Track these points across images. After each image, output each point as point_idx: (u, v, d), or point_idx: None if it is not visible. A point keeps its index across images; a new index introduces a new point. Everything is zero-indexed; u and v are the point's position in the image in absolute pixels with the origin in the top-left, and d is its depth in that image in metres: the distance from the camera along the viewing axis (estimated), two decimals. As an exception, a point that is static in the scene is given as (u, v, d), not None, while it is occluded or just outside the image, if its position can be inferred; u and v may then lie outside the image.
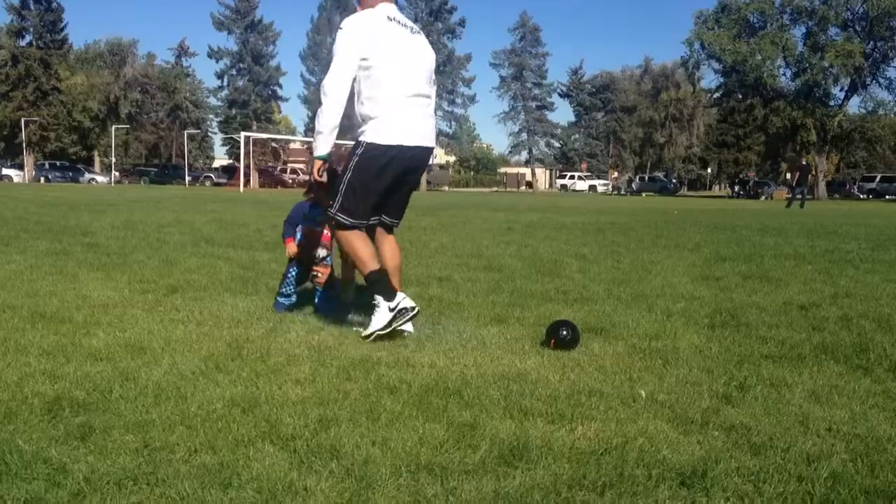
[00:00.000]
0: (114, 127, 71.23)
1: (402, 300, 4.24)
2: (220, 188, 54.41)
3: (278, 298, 5.09)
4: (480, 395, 3.18)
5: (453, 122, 77.80)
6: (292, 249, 5.02)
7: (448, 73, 74.96)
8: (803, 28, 59.42)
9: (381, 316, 4.19)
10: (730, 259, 8.69)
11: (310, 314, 4.95)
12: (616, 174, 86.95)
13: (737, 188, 66.30)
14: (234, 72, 72.54)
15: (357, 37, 4.26)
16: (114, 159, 69.92)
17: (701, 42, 60.25)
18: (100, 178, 65.21)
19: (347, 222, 4.32)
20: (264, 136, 66.90)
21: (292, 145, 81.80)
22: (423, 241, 10.33)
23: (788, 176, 42.45)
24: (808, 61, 56.89)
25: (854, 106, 60.91)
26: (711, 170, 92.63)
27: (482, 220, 15.93)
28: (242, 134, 55.50)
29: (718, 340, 4.34)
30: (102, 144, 73.56)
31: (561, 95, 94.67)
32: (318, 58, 74.46)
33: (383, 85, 4.28)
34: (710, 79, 71.68)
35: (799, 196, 33.63)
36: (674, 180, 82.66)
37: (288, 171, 75.13)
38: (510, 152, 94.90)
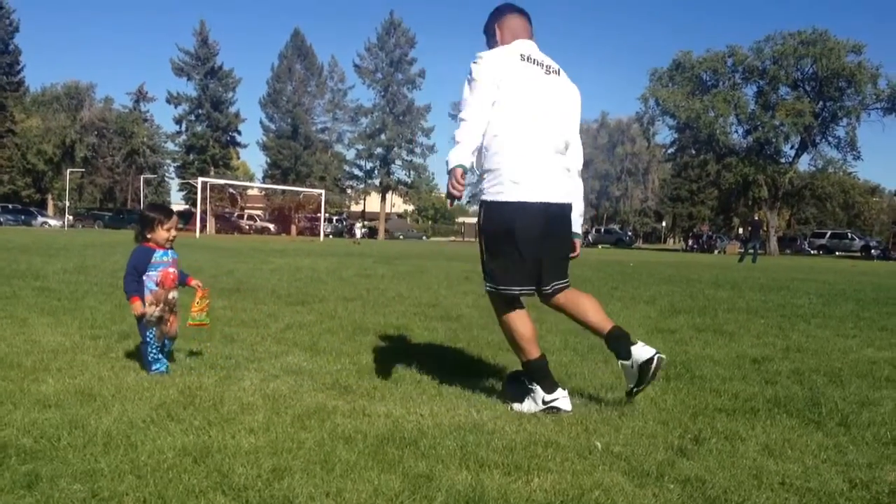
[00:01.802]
0: (69, 170, 70.51)
1: (561, 398, 3.90)
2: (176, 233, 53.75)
3: (152, 367, 4.44)
4: (436, 446, 3.15)
5: (412, 172, 78.14)
6: (139, 309, 4.41)
7: (407, 122, 75.58)
8: (755, 87, 61.09)
9: (533, 404, 3.91)
10: (684, 312, 8.78)
11: (261, 359, 4.89)
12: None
13: (691, 242, 67.26)
14: (192, 117, 72.44)
15: (486, 76, 3.84)
16: (68, 203, 69.07)
17: (655, 98, 61.56)
18: (53, 222, 64.27)
19: (492, 288, 3.97)
20: (222, 181, 66.67)
21: (250, 191, 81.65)
22: (381, 290, 10.31)
23: (741, 231, 43.18)
24: (759, 119, 58.38)
25: (804, 163, 62.43)
26: (666, 223, 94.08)
27: (440, 270, 15.95)
28: (200, 179, 55.21)
29: (673, 393, 4.36)
30: (56, 188, 72.77)
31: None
32: (277, 105, 74.66)
33: (505, 134, 3.84)
34: (664, 134, 73.13)
35: (751, 251, 34.21)
36: (629, 233, 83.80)
37: (245, 216, 74.87)
38: (468, 203, 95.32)
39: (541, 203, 3.86)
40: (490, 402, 4.03)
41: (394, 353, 5.38)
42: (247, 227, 70.98)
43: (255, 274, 12.58)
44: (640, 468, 2.98)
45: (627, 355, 3.94)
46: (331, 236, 64.73)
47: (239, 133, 75.34)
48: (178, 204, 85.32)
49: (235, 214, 74.89)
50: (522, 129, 3.86)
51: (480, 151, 3.89)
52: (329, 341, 5.78)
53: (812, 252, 62.35)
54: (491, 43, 4.22)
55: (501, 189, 3.84)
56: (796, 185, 64.81)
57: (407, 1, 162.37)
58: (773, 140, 58.32)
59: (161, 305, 4.48)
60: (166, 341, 4.60)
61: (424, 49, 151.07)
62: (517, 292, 3.97)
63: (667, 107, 60.74)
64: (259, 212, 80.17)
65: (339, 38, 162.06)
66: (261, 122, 76.78)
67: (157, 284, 4.50)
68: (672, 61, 62.11)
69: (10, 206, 65.97)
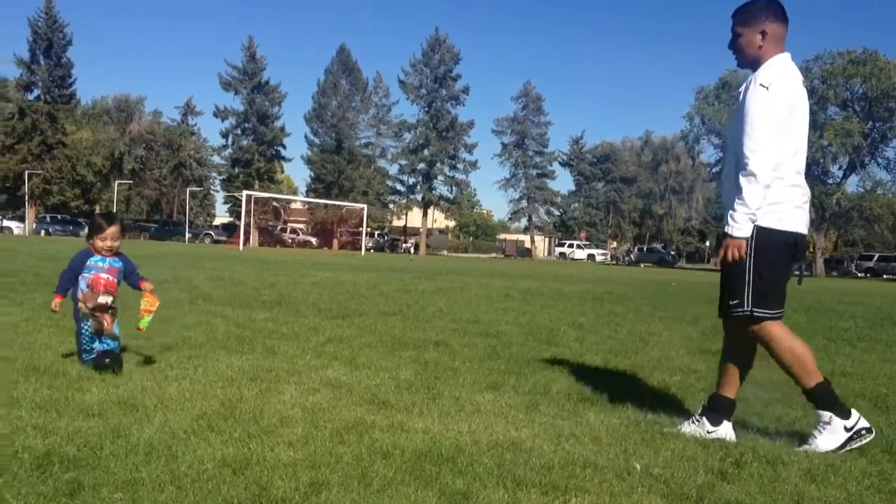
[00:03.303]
0: (116, 182, 71.77)
1: (860, 419, 3.73)
2: (220, 246, 54.53)
3: (82, 356, 4.85)
4: (474, 463, 3.15)
5: (454, 188, 78.34)
6: (53, 305, 4.90)
7: (450, 138, 75.79)
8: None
9: (835, 436, 3.69)
10: (727, 333, 8.66)
11: (301, 372, 4.92)
12: (615, 244, 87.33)
13: (735, 262, 66.38)
14: (238, 131, 73.44)
15: (783, 104, 3.64)
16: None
17: (701, 116, 61.14)
18: (100, 233, 65.26)
19: (768, 314, 3.77)
20: (266, 195, 67.37)
21: (293, 205, 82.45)
22: (421, 305, 10.33)
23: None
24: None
25: (852, 185, 61.49)
26: (710, 243, 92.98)
27: (480, 286, 15.93)
28: (244, 192, 55.87)
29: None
30: (104, 199, 74.01)
31: (562, 164, 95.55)
32: (322, 119, 75.38)
33: (788, 161, 3.69)
34: (709, 153, 72.43)
35: (797, 272, 33.67)
36: (672, 252, 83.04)
37: (288, 230, 75.57)
38: (510, 219, 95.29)
39: (801, 234, 3.82)
40: (528, 419, 4.01)
41: (432, 369, 5.39)
42: (289, 240, 71.66)
43: (296, 287, 12.67)
44: (679, 491, 2.95)
45: (718, 423, 3.91)
46: (372, 251, 65.03)
47: (284, 147, 76.31)
48: (222, 217, 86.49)
49: (278, 228, 75.66)
50: (799, 152, 3.78)
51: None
52: (368, 356, 5.80)
53: (859, 275, 61.28)
54: (745, 43, 3.88)
55: (783, 217, 3.72)
56: (844, 206, 63.80)
57: (452, 17, 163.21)
58: (821, 160, 57.53)
59: (88, 304, 4.77)
60: (109, 341, 4.84)
61: (468, 65, 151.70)
62: (782, 311, 3.87)
63: (712, 125, 60.25)
64: (302, 225, 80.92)
65: (384, 54, 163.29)
66: (305, 137, 77.85)
67: (87, 286, 4.83)
68: (718, 79, 61.63)
69: (60, 216, 67.22)
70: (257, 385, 4.54)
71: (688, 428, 3.93)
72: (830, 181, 59.84)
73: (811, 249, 51.34)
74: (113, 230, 4.95)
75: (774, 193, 3.67)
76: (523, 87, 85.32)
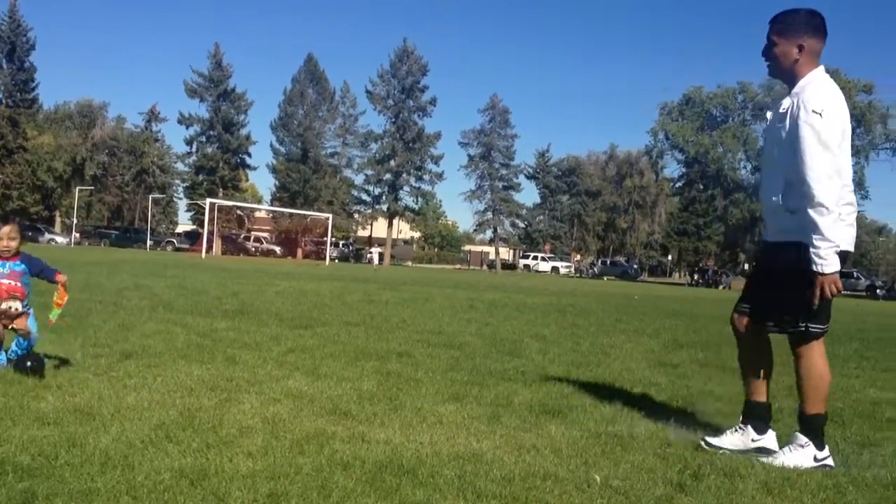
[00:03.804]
0: (78, 188, 70.83)
1: (829, 457, 3.79)
2: (182, 254, 54.02)
3: None
4: (435, 475, 3.14)
5: (420, 199, 78.40)
6: None
7: (417, 149, 75.86)
8: (764, 123, 61.18)
9: (803, 458, 3.73)
10: (688, 346, 8.75)
11: (262, 382, 4.88)
12: (579, 257, 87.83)
13: (696, 276, 67.13)
14: (203, 138, 72.95)
15: (842, 114, 3.67)
16: (75, 220, 69.31)
17: (665, 132, 61.93)
18: (59, 239, 64.47)
19: (820, 329, 3.83)
20: (230, 203, 66.88)
21: (258, 214, 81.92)
22: (385, 316, 10.30)
23: (747, 267, 43.11)
24: (767, 156, 58.38)
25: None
26: (672, 257, 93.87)
27: (444, 297, 15.94)
28: (208, 200, 55.44)
29: (674, 427, 4.34)
30: (65, 205, 73.03)
31: (527, 177, 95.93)
32: (288, 128, 75.10)
33: (843, 178, 3.68)
34: (672, 168, 73.41)
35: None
36: (635, 265, 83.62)
37: (252, 239, 75.09)
38: (475, 230, 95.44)
39: (849, 250, 3.79)
40: (490, 431, 4.01)
41: (395, 380, 5.37)
42: (253, 249, 71.18)
43: (259, 296, 12.59)
44: (638, 503, 2.96)
45: (763, 431, 3.99)
46: (337, 261, 64.80)
47: (249, 155, 75.96)
48: (185, 224, 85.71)
49: (242, 236, 75.12)
50: (848, 170, 3.75)
51: (796, 190, 3.69)
52: (330, 366, 5.77)
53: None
54: (779, 53, 3.85)
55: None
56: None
57: (421, 29, 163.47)
58: (761, 180, 58.33)
59: None
60: (22, 340, 4.82)
61: (436, 77, 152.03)
62: (827, 329, 3.89)
63: (676, 141, 61.07)
64: (266, 234, 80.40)
65: (352, 65, 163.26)
66: (271, 145, 77.49)
67: None
68: (682, 96, 62.51)
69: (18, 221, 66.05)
70: (217, 395, 4.50)
71: (730, 438, 3.95)
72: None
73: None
74: (6, 230, 4.94)
75: None
76: (490, 100, 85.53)
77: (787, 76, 3.86)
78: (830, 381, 3.86)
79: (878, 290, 57.60)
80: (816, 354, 3.82)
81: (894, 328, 15.28)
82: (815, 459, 3.71)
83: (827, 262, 3.58)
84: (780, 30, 3.82)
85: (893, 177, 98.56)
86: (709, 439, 3.94)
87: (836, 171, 3.60)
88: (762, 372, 4.06)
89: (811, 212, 3.57)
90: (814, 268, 3.60)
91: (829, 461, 3.75)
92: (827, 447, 3.80)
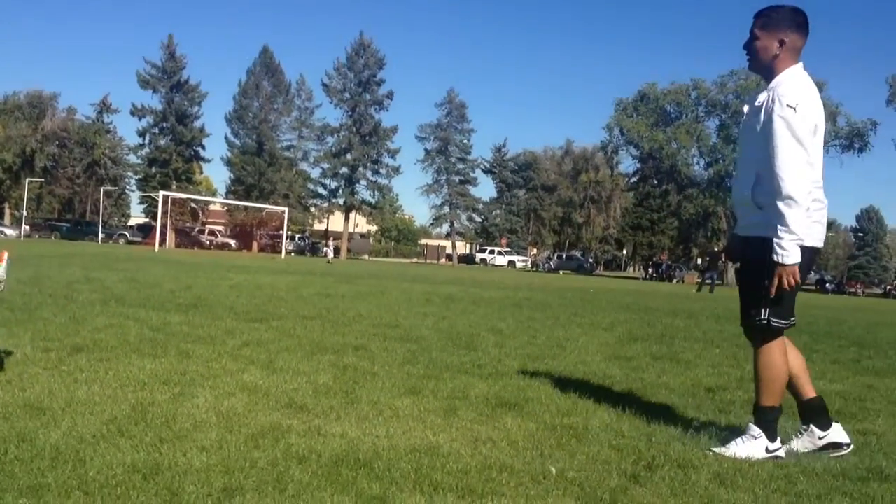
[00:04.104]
0: (27, 180, 69.49)
1: (781, 448, 3.81)
2: (135, 247, 53.30)
3: None
4: (391, 468, 3.13)
5: (377, 192, 78.15)
6: None
7: (374, 143, 75.63)
8: (717, 120, 62.06)
9: (753, 450, 3.74)
10: (642, 339, 8.85)
11: (216, 376, 4.83)
12: (535, 251, 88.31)
13: (650, 270, 67.91)
14: (156, 130, 71.93)
15: (809, 125, 3.67)
16: (25, 212, 68.01)
17: (620, 128, 62.33)
18: (8, 231, 63.25)
19: (781, 324, 3.80)
20: (184, 195, 66.09)
21: (212, 207, 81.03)
22: (341, 309, 10.26)
23: (699, 261, 43.74)
24: (720, 152, 59.25)
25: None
26: (627, 251, 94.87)
27: (401, 291, 15.92)
28: (161, 193, 54.73)
29: (629, 419, 4.38)
30: (14, 197, 71.63)
31: (484, 171, 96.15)
32: (243, 121, 74.36)
33: (811, 174, 3.70)
34: (627, 164, 73.98)
35: (709, 281, 34.68)
36: (590, 260, 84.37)
37: (206, 232, 74.33)
38: (432, 224, 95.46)
39: (817, 246, 3.84)
40: (446, 424, 4.01)
41: (351, 373, 5.35)
42: (207, 242, 70.46)
43: (213, 290, 12.46)
44: (592, 494, 2.99)
45: (827, 426, 3.94)
46: (293, 254, 64.40)
47: (203, 147, 75.10)
48: (138, 217, 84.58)
49: (196, 229, 74.33)
50: (819, 166, 3.79)
51: (766, 185, 3.71)
52: (286, 360, 5.74)
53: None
54: (760, 48, 3.87)
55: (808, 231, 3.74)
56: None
57: (378, 22, 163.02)
58: (734, 173, 59.12)
59: None
60: None
61: (393, 70, 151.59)
62: (790, 325, 3.87)
63: (631, 137, 61.52)
64: (220, 227, 79.62)
65: (308, 58, 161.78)
66: (226, 138, 76.53)
67: None
68: (637, 92, 62.95)
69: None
70: (170, 389, 4.44)
71: (798, 444, 3.93)
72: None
73: (722, 259, 52.87)
74: None
75: None
76: (447, 94, 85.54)
77: (765, 70, 3.89)
78: (786, 374, 3.84)
79: (827, 285, 58.79)
80: (776, 349, 3.82)
81: (843, 322, 15.61)
82: (767, 451, 3.74)
83: (788, 253, 3.61)
84: (764, 24, 3.84)
85: (842, 173, 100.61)
86: (716, 448, 3.82)
87: (808, 165, 3.65)
88: (797, 367, 3.99)
89: (779, 203, 3.60)
90: (774, 258, 3.64)
91: (781, 452, 3.79)
92: (779, 439, 3.84)
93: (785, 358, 3.84)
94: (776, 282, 3.67)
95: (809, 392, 3.98)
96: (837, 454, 3.86)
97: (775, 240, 3.63)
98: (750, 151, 3.88)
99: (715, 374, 6.42)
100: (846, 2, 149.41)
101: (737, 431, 4.14)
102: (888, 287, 70.85)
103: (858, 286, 63.83)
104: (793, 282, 3.66)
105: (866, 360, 8.26)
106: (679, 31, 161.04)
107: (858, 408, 5.35)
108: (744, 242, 3.94)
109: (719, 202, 59.60)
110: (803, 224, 3.62)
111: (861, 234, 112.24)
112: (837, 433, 3.93)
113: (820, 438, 3.89)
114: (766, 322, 3.79)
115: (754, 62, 3.94)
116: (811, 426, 3.93)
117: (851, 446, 3.91)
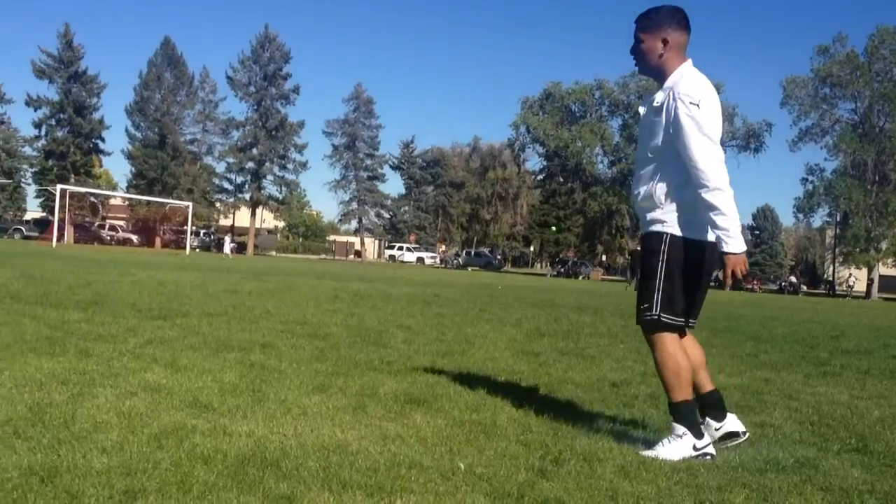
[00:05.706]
0: (-88, 172, 66.29)
1: (710, 445, 3.80)
2: (31, 242, 51.40)
3: None
4: (299, 467, 3.10)
5: (284, 188, 77.27)
6: None
7: (280, 138, 74.73)
8: (620, 120, 63.44)
9: (680, 449, 3.70)
10: (549, 335, 8.99)
11: (118, 375, 4.70)
12: (444, 247, 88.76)
13: (557, 267, 69.00)
14: (53, 122, 69.33)
15: (715, 104, 3.77)
16: None
17: (527, 126, 63.14)
18: None
19: (673, 321, 3.82)
20: (83, 189, 63.98)
21: (113, 201, 78.79)
22: (248, 306, 10.11)
23: (604, 258, 44.67)
24: (623, 151, 60.60)
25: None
26: (534, 248, 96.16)
27: (309, 288, 15.77)
28: (59, 186, 52.87)
29: (536, 414, 4.44)
30: None
31: (392, 167, 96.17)
32: (144, 113, 72.43)
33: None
34: (534, 161, 75.11)
35: (633, 279, 35.70)
36: (498, 256, 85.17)
37: (107, 227, 72.23)
38: (340, 221, 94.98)
39: (711, 240, 3.81)
40: (355, 421, 4.00)
41: (258, 371, 5.28)
42: (108, 237, 68.52)
43: (114, 286, 12.11)
44: (501, 489, 3.02)
45: (723, 418, 4.00)
46: (198, 250, 63.15)
47: (103, 140, 72.64)
48: (34, 211, 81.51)
49: (96, 224, 72.18)
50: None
51: (667, 182, 3.79)
52: (191, 358, 5.62)
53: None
54: (646, 49, 3.91)
55: (692, 224, 3.78)
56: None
57: (283, 15, 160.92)
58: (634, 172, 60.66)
59: None
60: None
61: (299, 65, 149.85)
62: (683, 323, 3.88)
63: (537, 134, 62.43)
64: (122, 222, 77.49)
65: (211, 49, 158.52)
66: (126, 130, 74.33)
67: None
68: (542, 90, 63.84)
69: None
70: (69, 389, 4.30)
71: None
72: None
73: (627, 256, 54.16)
74: None
75: (686, 201, 3.75)
76: (355, 90, 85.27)
77: (655, 72, 3.94)
78: (689, 365, 3.85)
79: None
80: (668, 342, 3.85)
81: (741, 316, 16.17)
82: (695, 448, 3.74)
83: (734, 240, 3.65)
84: (645, 26, 3.90)
85: (739, 173, 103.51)
86: (645, 451, 3.78)
87: (721, 159, 3.73)
88: (697, 361, 4.01)
89: (707, 196, 3.64)
90: (723, 248, 3.67)
91: (710, 449, 3.78)
92: (707, 436, 3.85)
93: (681, 348, 3.87)
94: (729, 272, 3.69)
95: (707, 385, 4.05)
96: (735, 443, 3.97)
97: (718, 231, 3.67)
98: (649, 151, 3.92)
99: (619, 369, 6.57)
100: (742, 4, 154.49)
101: (638, 424, 4.25)
102: (783, 283, 73.75)
103: (755, 282, 66.09)
104: (744, 269, 3.69)
105: (763, 354, 8.58)
106: (584, 30, 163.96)
107: (756, 401, 5.54)
108: (642, 239, 4.01)
109: (623, 200, 60.97)
110: (734, 208, 3.67)
111: (758, 233, 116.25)
112: (733, 423, 4.02)
113: (717, 430, 3.97)
114: (656, 317, 3.83)
115: (643, 65, 3.99)
116: (707, 419, 4.00)
117: (747, 434, 4.04)
